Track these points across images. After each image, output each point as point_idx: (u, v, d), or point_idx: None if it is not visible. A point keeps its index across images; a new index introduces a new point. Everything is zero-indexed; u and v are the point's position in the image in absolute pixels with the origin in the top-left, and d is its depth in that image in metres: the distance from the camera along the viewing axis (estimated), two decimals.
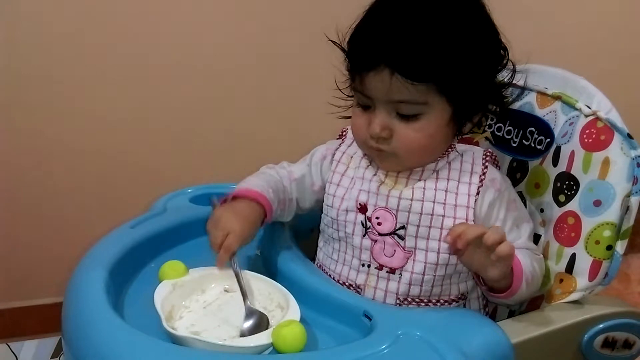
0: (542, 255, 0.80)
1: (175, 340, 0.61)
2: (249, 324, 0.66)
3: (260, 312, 0.68)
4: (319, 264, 0.85)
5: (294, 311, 0.66)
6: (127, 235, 0.80)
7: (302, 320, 0.64)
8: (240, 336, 0.65)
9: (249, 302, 0.68)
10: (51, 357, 1.29)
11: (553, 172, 0.82)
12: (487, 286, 0.74)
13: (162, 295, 0.67)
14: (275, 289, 0.71)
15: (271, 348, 0.62)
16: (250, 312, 0.68)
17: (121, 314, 0.66)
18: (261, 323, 0.67)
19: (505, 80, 0.79)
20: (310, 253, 0.90)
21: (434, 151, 0.76)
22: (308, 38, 1.29)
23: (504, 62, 0.77)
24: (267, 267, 0.80)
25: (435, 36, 0.68)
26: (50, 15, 1.16)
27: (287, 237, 0.85)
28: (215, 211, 0.76)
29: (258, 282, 0.73)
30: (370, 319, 0.66)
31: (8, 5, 1.14)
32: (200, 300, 0.71)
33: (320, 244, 0.86)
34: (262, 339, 0.61)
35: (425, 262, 0.75)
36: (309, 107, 1.33)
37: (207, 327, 0.66)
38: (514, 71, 0.79)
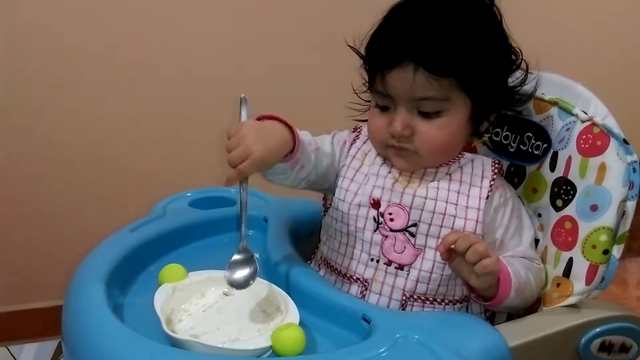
0: (542, 265, 0.80)
1: (175, 343, 0.61)
2: (238, 258, 0.69)
3: (252, 255, 0.70)
4: (322, 258, 0.85)
5: (293, 314, 0.66)
6: (126, 238, 0.80)
7: (301, 323, 0.65)
8: (228, 268, 0.69)
9: (244, 243, 0.70)
10: None
11: (550, 177, 0.83)
12: (475, 293, 0.75)
13: (161, 298, 0.67)
14: (274, 292, 0.71)
15: (270, 351, 0.62)
16: (243, 250, 0.70)
17: (121, 318, 0.66)
18: (249, 262, 0.69)
19: (519, 81, 0.81)
20: (310, 256, 0.91)
21: (454, 149, 0.78)
22: (311, 42, 1.31)
23: (518, 63, 0.79)
24: (266, 271, 0.80)
25: (457, 33, 0.71)
26: (51, 17, 1.16)
27: (285, 241, 0.85)
28: (244, 124, 0.70)
29: (257, 285, 0.73)
30: (369, 323, 0.66)
31: (9, 6, 1.14)
32: (199, 303, 0.71)
33: (324, 238, 0.86)
34: (261, 342, 0.62)
35: (434, 261, 0.76)
36: (311, 110, 1.34)
37: (207, 330, 0.66)
38: (527, 72, 0.81)
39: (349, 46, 0.79)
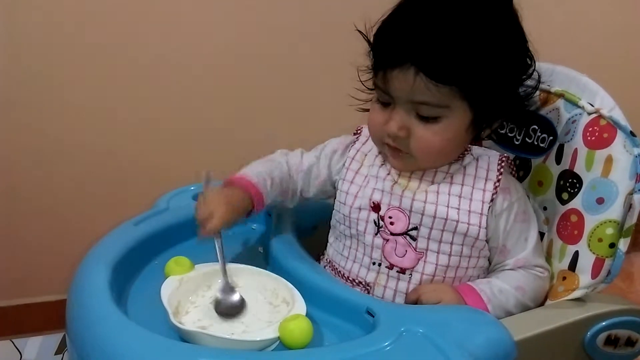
0: (545, 273, 0.79)
1: (182, 335, 0.61)
2: (226, 298, 0.70)
3: (238, 295, 0.70)
4: (328, 259, 0.85)
5: (300, 306, 0.66)
6: (130, 232, 0.80)
7: (306, 316, 0.64)
8: (215, 307, 0.68)
9: (227, 279, 0.72)
10: (55, 354, 1.30)
11: (556, 170, 0.82)
12: None
13: (168, 291, 0.67)
14: (280, 284, 0.71)
15: (277, 342, 0.62)
16: (229, 289, 0.70)
17: (125, 311, 0.66)
18: (237, 303, 0.70)
19: (526, 93, 0.79)
20: (313, 250, 0.90)
21: (450, 154, 0.77)
22: (312, 36, 1.30)
23: (530, 71, 0.76)
24: (269, 265, 0.80)
25: (465, 40, 0.68)
26: (51, 15, 1.16)
27: (289, 235, 0.85)
28: (206, 190, 0.76)
29: (263, 278, 0.73)
30: (373, 316, 0.66)
31: (9, 4, 1.14)
32: (206, 295, 0.71)
33: (331, 239, 0.86)
34: (269, 333, 0.62)
35: (436, 264, 0.75)
36: (313, 105, 1.34)
37: (214, 322, 0.66)
38: (538, 82, 0.79)
39: (358, 31, 0.76)
